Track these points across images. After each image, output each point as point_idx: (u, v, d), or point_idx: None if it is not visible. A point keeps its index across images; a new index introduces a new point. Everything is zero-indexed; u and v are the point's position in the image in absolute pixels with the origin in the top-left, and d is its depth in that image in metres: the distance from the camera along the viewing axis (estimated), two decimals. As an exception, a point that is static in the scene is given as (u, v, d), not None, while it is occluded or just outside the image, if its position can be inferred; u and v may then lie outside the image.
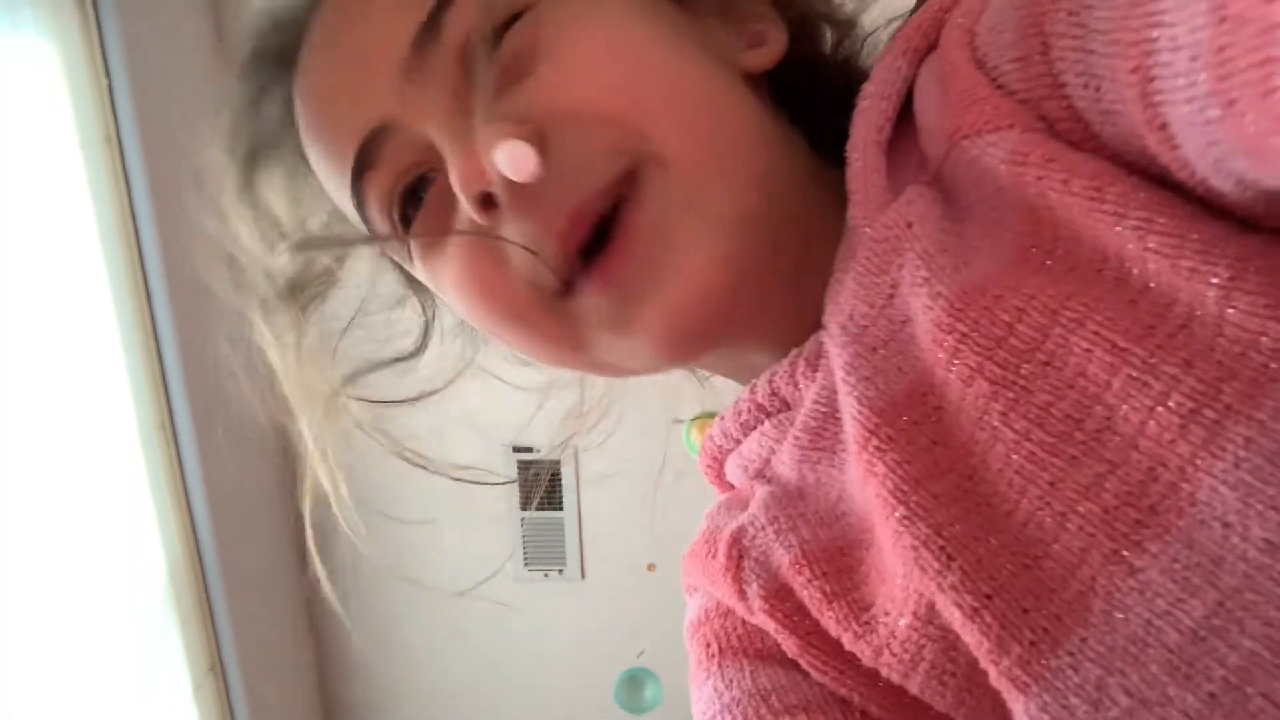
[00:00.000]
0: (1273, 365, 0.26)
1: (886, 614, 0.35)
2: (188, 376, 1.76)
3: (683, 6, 0.42)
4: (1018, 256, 0.32)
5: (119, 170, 1.65)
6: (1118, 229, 0.29)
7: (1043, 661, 0.29)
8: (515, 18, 0.37)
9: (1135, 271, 0.29)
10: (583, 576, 2.19)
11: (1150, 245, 0.28)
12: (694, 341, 0.38)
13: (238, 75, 0.46)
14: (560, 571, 2.19)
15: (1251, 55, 0.20)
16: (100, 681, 1.61)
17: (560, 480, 2.11)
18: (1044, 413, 0.30)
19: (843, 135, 0.40)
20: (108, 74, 1.61)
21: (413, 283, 0.52)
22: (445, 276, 0.41)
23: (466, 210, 0.37)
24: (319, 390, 0.51)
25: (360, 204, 0.42)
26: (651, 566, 2.09)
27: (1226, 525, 0.26)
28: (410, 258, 0.44)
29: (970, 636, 0.31)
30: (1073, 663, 0.29)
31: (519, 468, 2.10)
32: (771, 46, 0.43)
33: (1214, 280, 0.27)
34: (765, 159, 0.39)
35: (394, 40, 0.38)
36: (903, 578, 0.34)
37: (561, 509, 2.14)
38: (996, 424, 0.31)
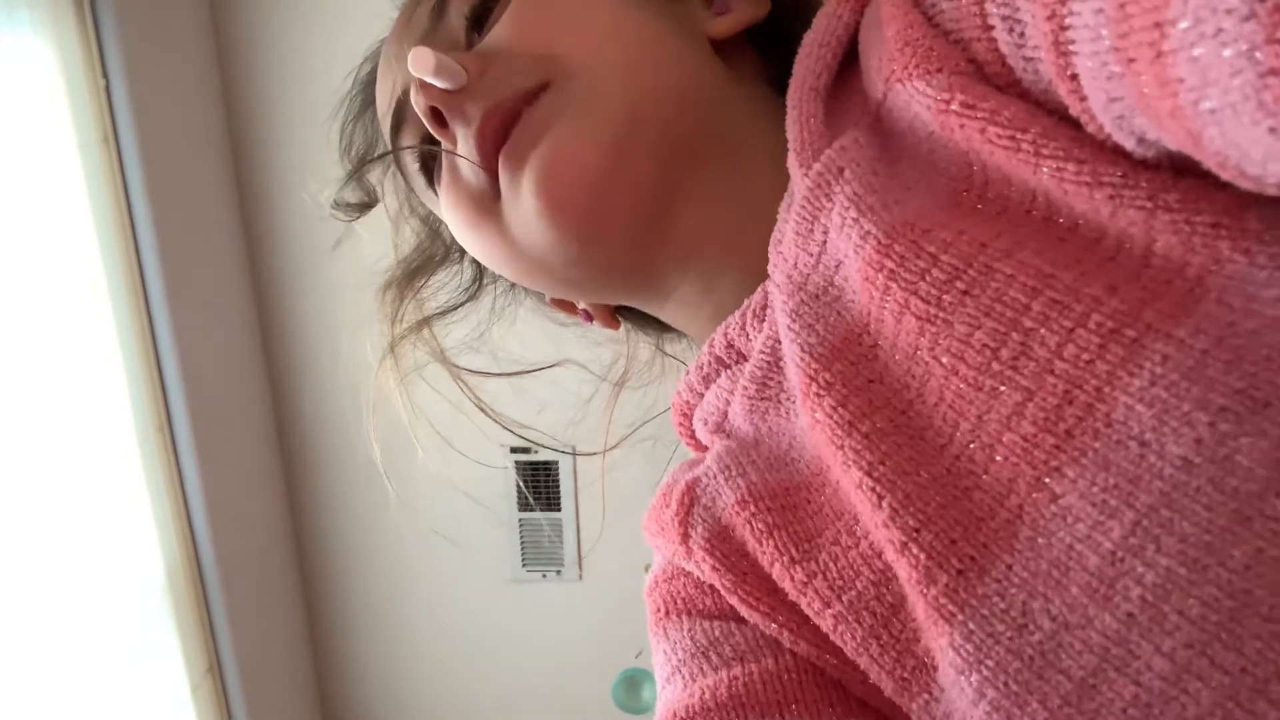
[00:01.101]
0: (1196, 290, 0.26)
1: (835, 544, 0.36)
2: (186, 378, 1.76)
3: None
4: (949, 200, 0.32)
5: (116, 171, 1.65)
6: (1036, 173, 0.29)
7: (969, 589, 0.30)
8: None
9: (1063, 210, 0.30)
10: (580, 577, 2.19)
11: (1068, 187, 0.29)
12: (572, 208, 0.41)
13: (347, 101, 0.58)
14: (558, 572, 2.19)
15: (1148, 16, 0.20)
16: (98, 682, 1.61)
17: (558, 481, 2.12)
18: (964, 344, 0.30)
19: None
20: (105, 74, 1.61)
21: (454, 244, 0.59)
22: (444, 215, 0.48)
23: (426, 120, 0.44)
24: (429, 352, 0.59)
25: (398, 161, 0.50)
26: (649, 567, 2.09)
27: (1143, 444, 0.26)
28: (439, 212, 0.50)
29: (901, 571, 0.32)
30: (999, 589, 0.29)
31: (517, 468, 2.10)
32: (736, 15, 0.47)
33: (1136, 215, 0.27)
34: (689, 94, 0.43)
35: (415, 30, 0.47)
36: (862, 514, 0.35)
37: (559, 510, 2.14)
38: (927, 359, 0.31)
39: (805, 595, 0.36)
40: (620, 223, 0.42)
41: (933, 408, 0.31)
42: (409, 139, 0.48)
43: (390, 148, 0.50)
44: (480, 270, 0.60)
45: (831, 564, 0.35)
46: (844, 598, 0.34)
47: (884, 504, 0.32)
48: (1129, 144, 0.26)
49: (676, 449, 0.50)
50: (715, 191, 0.43)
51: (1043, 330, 0.28)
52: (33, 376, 1.50)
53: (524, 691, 2.32)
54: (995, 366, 0.29)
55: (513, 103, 0.41)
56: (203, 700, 1.91)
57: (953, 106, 0.31)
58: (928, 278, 0.31)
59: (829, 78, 0.39)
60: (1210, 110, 0.20)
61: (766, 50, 0.49)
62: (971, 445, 0.30)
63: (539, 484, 2.12)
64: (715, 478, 0.41)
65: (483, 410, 0.59)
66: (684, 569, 0.43)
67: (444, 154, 0.46)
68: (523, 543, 2.18)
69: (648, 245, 0.44)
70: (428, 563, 2.21)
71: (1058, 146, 0.29)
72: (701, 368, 0.45)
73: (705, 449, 0.48)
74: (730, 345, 0.43)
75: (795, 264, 0.38)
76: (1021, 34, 0.29)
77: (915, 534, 0.31)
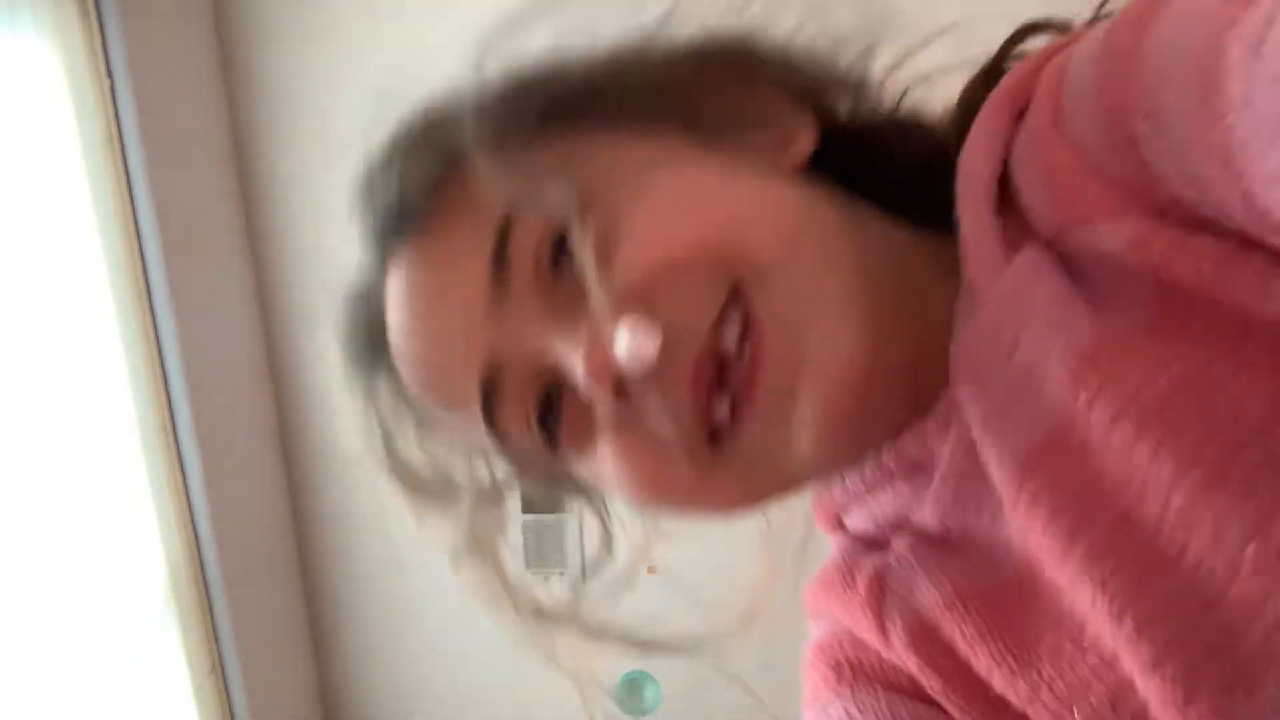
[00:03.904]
0: None
1: (1058, 654, 0.34)
2: (189, 379, 1.76)
3: (715, 142, 0.43)
4: (1144, 329, 0.32)
5: (120, 171, 1.65)
6: (1259, 303, 0.29)
7: (1238, 706, 0.28)
8: (578, 216, 0.39)
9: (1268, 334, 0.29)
10: (584, 579, 2.19)
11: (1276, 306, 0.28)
12: (855, 432, 0.38)
13: (348, 364, 0.49)
14: (562, 574, 2.19)
15: None
16: (101, 683, 1.61)
17: (561, 482, 2.11)
18: (1195, 454, 0.29)
19: (913, 185, 0.40)
20: (109, 75, 1.61)
21: (577, 488, 0.53)
22: (605, 474, 0.42)
23: (603, 404, 0.39)
24: (545, 610, 0.54)
25: (500, 439, 0.43)
26: (652, 569, 2.09)
27: None
28: (566, 468, 0.45)
29: (1153, 690, 0.30)
30: (1273, 705, 0.28)
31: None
32: (803, 138, 0.44)
33: None
34: (849, 242, 0.40)
35: (472, 286, 0.40)
36: (1090, 623, 0.33)
37: (564, 511, 2.14)
38: (1146, 464, 0.30)
39: (1033, 706, 0.34)
40: (878, 407, 0.39)
41: (1158, 516, 0.30)
42: (512, 413, 0.42)
43: (486, 420, 0.42)
44: (607, 518, 0.55)
45: (1058, 677, 0.34)
46: (1077, 711, 0.33)
47: (1125, 620, 0.30)
48: None
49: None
50: (907, 323, 0.40)
51: None
52: (36, 376, 1.50)
53: (527, 692, 2.32)
54: (1235, 475, 0.28)
55: (714, 339, 0.37)
56: (205, 701, 1.91)
57: (1155, 247, 0.31)
58: (1149, 389, 0.30)
59: (995, 191, 0.38)
60: None
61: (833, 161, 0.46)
62: (1211, 557, 0.29)
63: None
64: (911, 568, 0.40)
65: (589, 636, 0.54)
66: (871, 640, 0.42)
67: (602, 414, 0.40)
68: (526, 544, 2.17)
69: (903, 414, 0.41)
70: (430, 563, 2.21)
71: (1276, 285, 0.28)
72: (865, 476, 0.43)
73: (849, 533, 0.47)
74: (905, 458, 0.41)
75: (979, 371, 0.36)
76: (1199, 188, 0.29)
77: (1167, 649, 0.29)
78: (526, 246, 0.39)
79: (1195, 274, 0.30)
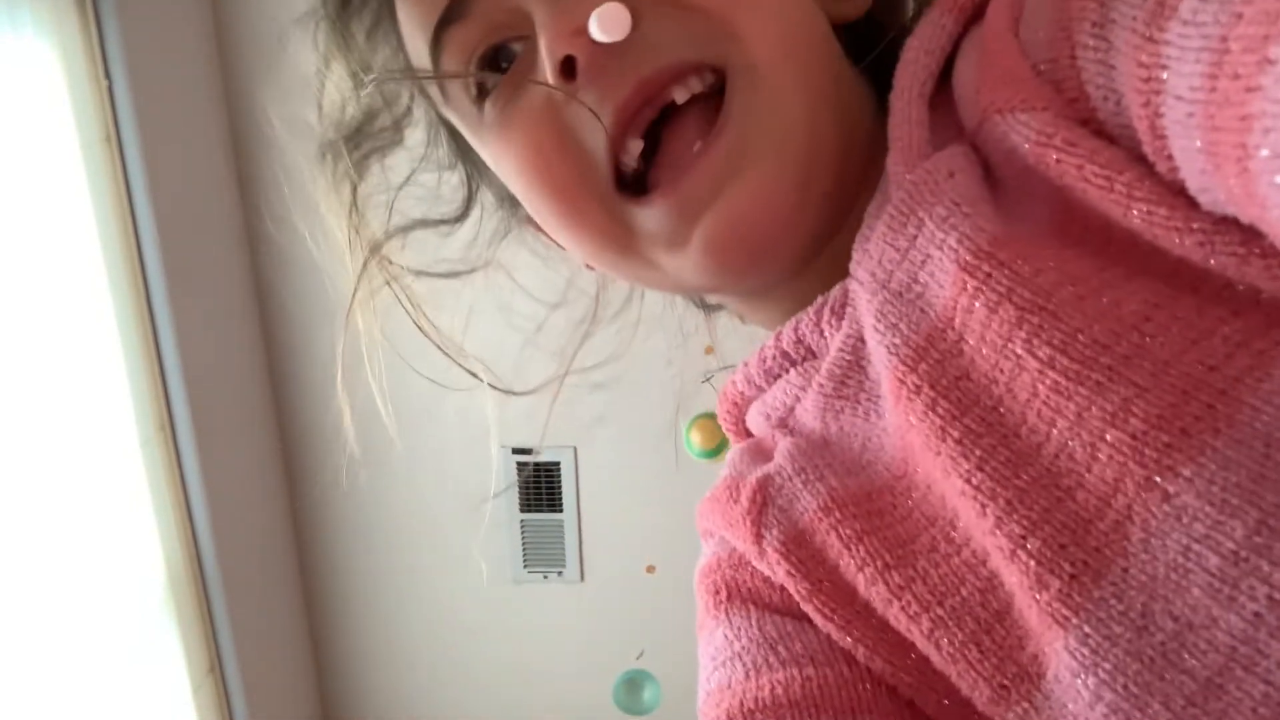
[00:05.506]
0: None
1: (933, 550, 0.35)
2: (187, 377, 1.76)
3: None
4: (1053, 229, 0.32)
5: (119, 171, 1.65)
6: (1126, 215, 0.30)
7: (1083, 593, 0.29)
8: None
9: (1163, 251, 0.30)
10: (582, 578, 2.19)
11: (1158, 232, 0.29)
12: (745, 259, 0.39)
13: None
14: (560, 573, 2.19)
15: (1233, 135, 0.23)
16: (99, 682, 1.61)
17: (560, 482, 2.11)
18: (1070, 339, 0.29)
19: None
20: (107, 74, 1.61)
21: (464, 153, 0.53)
22: (510, 151, 0.42)
23: (545, 75, 0.38)
24: (365, 237, 0.53)
25: (437, 53, 0.42)
26: (651, 568, 2.09)
27: (1269, 443, 0.26)
28: (474, 126, 0.45)
29: (1011, 577, 0.31)
30: (1116, 592, 0.29)
31: (518, 469, 2.10)
32: (856, 2, 0.44)
33: (1229, 260, 0.28)
34: (840, 95, 0.41)
35: None
36: (961, 516, 0.34)
37: (561, 511, 2.14)
38: (1020, 351, 0.31)
39: (901, 599, 0.35)
40: (779, 266, 0.41)
41: (1025, 404, 0.31)
42: (465, 36, 0.41)
43: (436, 30, 0.42)
44: (474, 192, 0.54)
45: (932, 570, 0.35)
46: (946, 603, 0.34)
47: (988, 512, 0.31)
48: (1217, 213, 0.27)
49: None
50: (840, 199, 0.41)
51: (1162, 338, 0.28)
52: (34, 376, 1.50)
53: (525, 693, 2.32)
54: (1104, 361, 0.29)
55: (670, 76, 0.38)
56: (204, 700, 1.91)
57: (1055, 142, 0.31)
58: (1040, 278, 0.31)
59: (932, 86, 0.39)
60: None
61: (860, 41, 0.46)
62: (1071, 443, 0.30)
63: (540, 485, 2.12)
64: (791, 479, 0.41)
65: (426, 335, 0.55)
66: (748, 552, 0.42)
67: (530, 89, 0.39)
68: (524, 544, 2.17)
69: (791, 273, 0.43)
70: (429, 564, 2.21)
71: (1150, 191, 0.29)
72: (764, 361, 0.44)
73: (749, 435, 0.47)
74: (800, 341, 0.42)
75: (880, 260, 0.37)
76: (1117, 103, 0.30)
77: (1022, 541, 0.30)
78: None
79: (1079, 172, 0.31)
